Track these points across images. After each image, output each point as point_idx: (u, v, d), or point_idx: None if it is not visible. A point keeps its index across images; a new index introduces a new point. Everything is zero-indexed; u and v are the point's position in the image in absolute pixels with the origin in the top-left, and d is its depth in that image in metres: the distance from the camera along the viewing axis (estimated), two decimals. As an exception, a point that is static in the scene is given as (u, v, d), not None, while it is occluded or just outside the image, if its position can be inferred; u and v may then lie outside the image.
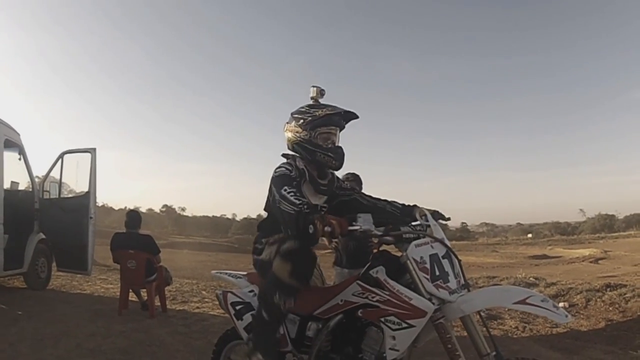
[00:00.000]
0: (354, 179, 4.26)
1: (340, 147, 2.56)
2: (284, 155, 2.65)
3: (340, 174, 2.85)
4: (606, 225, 48.18)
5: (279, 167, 2.50)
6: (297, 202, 2.20)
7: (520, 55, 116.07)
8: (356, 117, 2.60)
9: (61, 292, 7.23)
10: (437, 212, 2.53)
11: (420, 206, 2.55)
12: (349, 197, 2.74)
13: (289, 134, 2.58)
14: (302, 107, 2.57)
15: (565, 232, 50.86)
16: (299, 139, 2.53)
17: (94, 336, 4.54)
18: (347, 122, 2.62)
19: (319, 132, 2.50)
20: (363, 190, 4.37)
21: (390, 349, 2.02)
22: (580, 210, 56.43)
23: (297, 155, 2.58)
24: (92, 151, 6.77)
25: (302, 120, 2.52)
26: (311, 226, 2.05)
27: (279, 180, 2.40)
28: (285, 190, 2.28)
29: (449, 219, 2.61)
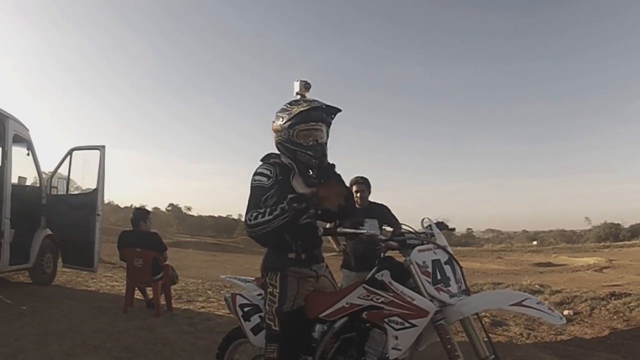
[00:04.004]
0: (363, 182, 4.29)
1: (321, 144, 2.39)
2: (269, 155, 2.52)
3: (348, 177, 2.83)
4: (611, 233, 47.68)
5: (256, 172, 2.39)
6: (278, 210, 2.14)
7: (529, 62, 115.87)
8: (339, 110, 2.43)
9: (66, 288, 7.26)
10: (442, 222, 2.53)
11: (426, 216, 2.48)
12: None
13: (273, 134, 2.46)
14: (285, 105, 2.44)
15: (571, 240, 50.50)
16: (280, 138, 2.42)
17: (99, 333, 4.56)
18: (332, 116, 2.45)
19: (298, 129, 2.35)
20: (371, 194, 4.44)
21: (393, 348, 2.08)
22: (586, 218, 55.97)
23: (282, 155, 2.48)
24: (101, 148, 6.80)
25: (281, 119, 2.40)
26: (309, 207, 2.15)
27: (251, 196, 2.33)
28: (255, 214, 2.20)
29: (453, 229, 2.66)
